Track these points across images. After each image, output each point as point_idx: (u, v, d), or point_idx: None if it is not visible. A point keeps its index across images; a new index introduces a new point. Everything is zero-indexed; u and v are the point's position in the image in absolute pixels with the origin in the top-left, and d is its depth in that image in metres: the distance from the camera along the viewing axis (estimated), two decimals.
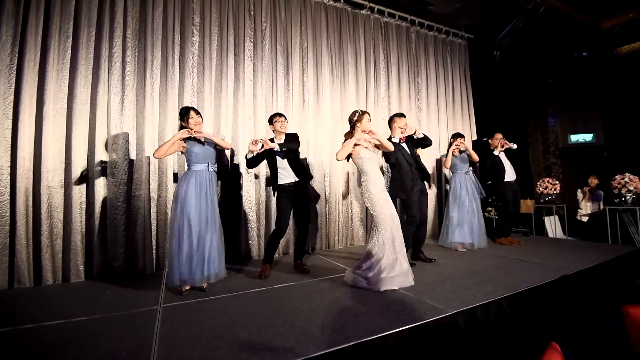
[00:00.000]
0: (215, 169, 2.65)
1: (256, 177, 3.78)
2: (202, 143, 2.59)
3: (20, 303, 2.37)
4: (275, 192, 3.03)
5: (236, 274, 2.98)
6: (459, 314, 1.90)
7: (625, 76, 6.06)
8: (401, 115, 3.30)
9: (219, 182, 3.50)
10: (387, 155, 3.13)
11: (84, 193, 3.02)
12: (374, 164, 2.62)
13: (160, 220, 3.28)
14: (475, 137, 5.61)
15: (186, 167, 2.61)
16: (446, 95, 5.41)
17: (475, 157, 3.98)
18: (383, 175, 3.31)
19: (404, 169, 3.14)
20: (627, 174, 4.72)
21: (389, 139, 3.16)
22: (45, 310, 2.19)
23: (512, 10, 5.29)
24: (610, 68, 6.26)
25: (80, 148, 2.99)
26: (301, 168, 3.04)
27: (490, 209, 5.64)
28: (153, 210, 3.27)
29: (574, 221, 5.62)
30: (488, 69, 6.23)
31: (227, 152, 3.65)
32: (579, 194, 5.65)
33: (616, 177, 4.81)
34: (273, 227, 3.16)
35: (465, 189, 3.86)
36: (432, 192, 4.82)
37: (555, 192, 5.52)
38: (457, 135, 4.01)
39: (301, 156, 3.55)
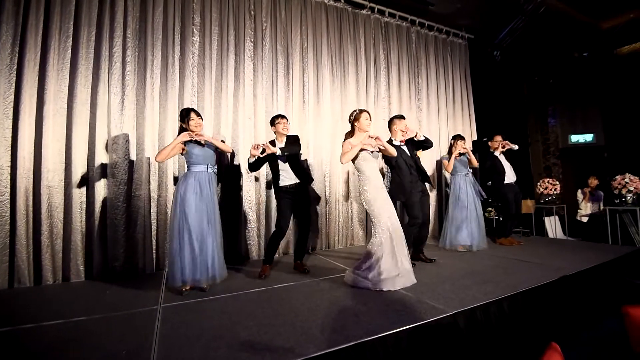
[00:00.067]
0: (215, 170, 2.65)
1: (256, 179, 3.78)
2: (202, 145, 2.59)
3: (20, 303, 2.37)
4: (276, 194, 3.04)
5: (236, 274, 2.98)
6: (459, 314, 1.90)
7: (626, 76, 6.06)
8: (401, 117, 3.30)
9: (219, 182, 3.50)
10: (387, 157, 3.13)
11: (84, 193, 3.02)
12: (372, 164, 2.61)
13: (160, 220, 3.28)
14: (475, 138, 5.61)
15: (186, 168, 2.61)
16: (446, 96, 5.41)
17: (475, 163, 3.97)
18: (383, 178, 3.31)
19: (404, 172, 3.14)
20: (627, 175, 4.72)
21: (389, 141, 3.16)
22: (45, 310, 2.19)
23: (512, 10, 5.29)
24: (610, 68, 6.26)
25: (80, 148, 2.99)
26: (302, 170, 3.05)
27: (490, 209, 5.64)
28: (153, 210, 3.27)
29: (574, 222, 5.61)
30: (488, 69, 6.23)
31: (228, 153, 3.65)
32: (579, 195, 5.65)
33: (616, 177, 4.80)
34: (273, 227, 3.17)
35: (465, 191, 3.86)
36: (432, 194, 4.82)
37: (555, 192, 5.52)
38: (457, 137, 4.00)
39: (302, 157, 3.56)
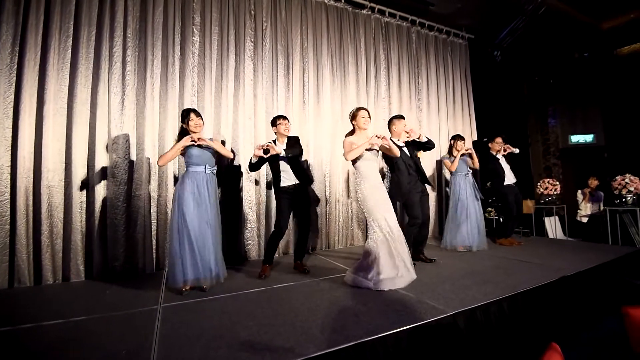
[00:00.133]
0: (214, 170, 2.64)
1: (256, 182, 3.78)
2: (201, 145, 2.59)
3: (20, 302, 2.37)
4: (276, 194, 3.04)
5: (236, 274, 2.98)
6: (459, 314, 1.90)
7: (626, 77, 6.06)
8: (400, 117, 3.30)
9: (220, 182, 3.49)
10: (387, 157, 3.13)
11: (84, 193, 3.02)
12: (370, 163, 2.61)
13: (160, 220, 3.28)
14: (475, 138, 5.61)
15: (185, 169, 2.61)
16: (446, 96, 5.41)
17: (477, 165, 3.97)
18: (383, 178, 3.30)
19: (403, 172, 3.14)
20: (627, 175, 4.72)
21: None
22: (45, 309, 2.19)
23: (512, 10, 5.29)
24: (611, 69, 6.26)
25: (80, 148, 2.99)
26: (302, 171, 3.06)
27: (490, 209, 5.64)
28: (153, 210, 3.27)
29: (574, 222, 5.61)
30: (488, 69, 6.23)
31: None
32: (579, 195, 5.65)
33: (617, 177, 4.80)
34: (273, 227, 3.17)
35: (465, 191, 3.86)
36: (432, 194, 4.82)
37: (555, 192, 5.52)
38: (457, 137, 4.01)
39: (302, 158, 3.55)
